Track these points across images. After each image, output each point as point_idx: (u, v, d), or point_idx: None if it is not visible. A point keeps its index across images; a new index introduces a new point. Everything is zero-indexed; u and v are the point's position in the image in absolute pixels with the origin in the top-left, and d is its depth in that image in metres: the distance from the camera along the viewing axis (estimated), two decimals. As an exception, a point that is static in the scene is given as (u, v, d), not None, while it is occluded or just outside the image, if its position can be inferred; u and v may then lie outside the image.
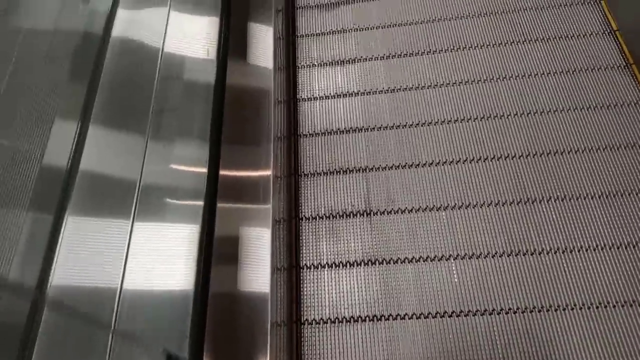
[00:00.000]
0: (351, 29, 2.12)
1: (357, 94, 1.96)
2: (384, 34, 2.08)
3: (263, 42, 1.62)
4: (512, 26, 2.00)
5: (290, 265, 1.61)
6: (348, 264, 1.61)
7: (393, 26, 2.09)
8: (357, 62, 2.03)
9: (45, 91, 0.78)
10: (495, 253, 1.55)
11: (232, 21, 1.68)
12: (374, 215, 1.68)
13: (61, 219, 0.76)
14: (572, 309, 1.45)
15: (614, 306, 1.43)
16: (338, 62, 2.04)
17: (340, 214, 1.70)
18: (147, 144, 0.97)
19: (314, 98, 1.98)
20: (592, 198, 1.60)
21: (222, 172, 1.30)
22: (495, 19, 2.03)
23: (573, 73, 1.85)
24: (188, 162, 1.29)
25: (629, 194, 1.59)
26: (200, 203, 1.21)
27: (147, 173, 0.95)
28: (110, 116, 0.92)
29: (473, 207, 1.64)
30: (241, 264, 1.20)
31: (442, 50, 1.99)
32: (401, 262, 1.58)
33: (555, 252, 1.52)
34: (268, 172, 1.32)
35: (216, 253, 1.19)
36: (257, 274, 1.19)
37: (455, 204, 1.65)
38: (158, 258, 1.04)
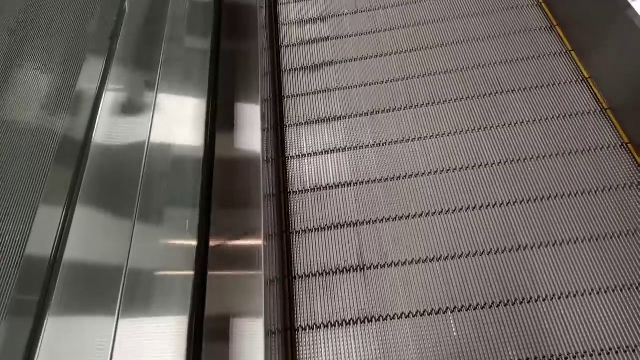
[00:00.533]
0: (335, 89, 2.19)
1: (344, 149, 2.00)
2: (366, 91, 2.16)
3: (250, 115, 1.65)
4: (490, 79, 2.08)
5: (285, 327, 1.58)
6: (344, 322, 1.58)
7: (375, 84, 2.17)
8: (342, 119, 2.09)
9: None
10: (492, 303, 1.53)
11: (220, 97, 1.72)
12: (367, 269, 1.67)
13: (43, 317, 0.74)
14: (574, 357, 1.42)
15: (617, 352, 1.41)
16: (324, 120, 2.10)
17: (334, 270, 1.69)
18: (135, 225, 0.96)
19: (302, 155, 2.01)
20: (582, 241, 1.61)
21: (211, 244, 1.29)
22: (472, 73, 2.12)
23: (552, 120, 1.91)
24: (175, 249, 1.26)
25: (619, 236, 1.60)
26: (191, 273, 1.18)
27: (135, 255, 0.94)
28: (97, 199, 0.91)
29: (466, 257, 1.64)
30: (233, 337, 1.17)
31: (423, 105, 2.06)
32: (398, 318, 1.55)
33: (551, 299, 1.51)
34: (259, 242, 1.31)
35: (207, 329, 1.15)
36: (251, 342, 1.16)
37: (448, 254, 1.65)
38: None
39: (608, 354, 1.41)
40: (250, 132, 1.63)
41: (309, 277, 1.69)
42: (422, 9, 2.42)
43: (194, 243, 1.29)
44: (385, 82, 2.17)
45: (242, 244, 1.43)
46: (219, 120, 1.59)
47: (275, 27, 2.54)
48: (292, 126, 2.11)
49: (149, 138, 1.13)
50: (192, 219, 1.32)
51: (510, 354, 1.44)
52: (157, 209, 1.26)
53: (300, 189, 1.93)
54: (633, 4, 1.72)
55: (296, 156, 2.02)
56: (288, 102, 2.20)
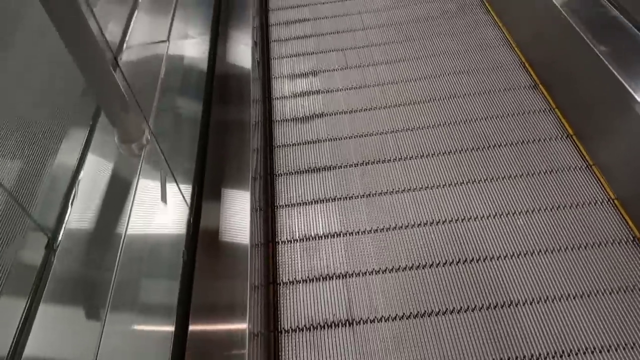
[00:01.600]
0: (325, 139, 2.22)
1: (334, 199, 1.99)
2: (356, 143, 2.18)
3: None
4: (477, 133, 2.13)
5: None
6: (332, 380, 1.50)
7: (364, 136, 2.21)
8: (333, 169, 2.10)
9: None
10: (485, 361, 1.48)
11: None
12: (356, 324, 1.62)
13: None
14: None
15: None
16: (314, 170, 2.11)
17: (322, 324, 1.63)
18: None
19: (291, 205, 2.00)
20: (573, 298, 1.59)
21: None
22: (459, 128, 2.17)
23: (538, 175, 1.94)
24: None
25: (610, 293, 1.59)
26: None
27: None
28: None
29: (457, 312, 1.60)
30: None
31: (412, 157, 2.08)
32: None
33: (545, 358, 1.47)
34: (245, 294, 1.26)
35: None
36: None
37: (440, 309, 1.61)
38: None
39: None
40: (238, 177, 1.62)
41: (296, 332, 1.63)
42: (411, 67, 2.50)
43: (177, 285, 1.23)
44: (375, 135, 2.20)
45: (226, 297, 1.38)
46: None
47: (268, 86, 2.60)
48: (281, 175, 2.11)
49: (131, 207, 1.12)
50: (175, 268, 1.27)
51: (505, 417, 1.38)
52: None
53: (288, 239, 1.90)
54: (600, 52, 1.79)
55: (285, 205, 2.00)
56: (278, 151, 2.21)
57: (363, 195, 1.98)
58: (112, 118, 1.03)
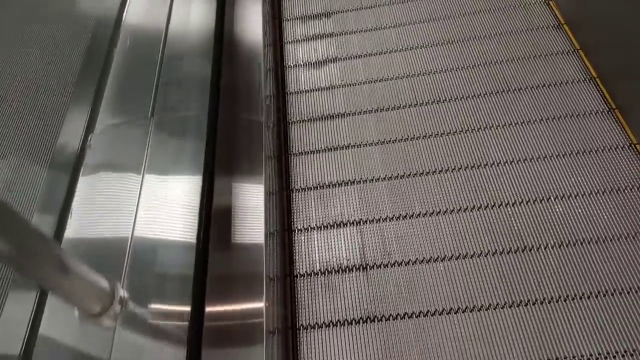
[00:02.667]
0: (339, 85, 2.17)
1: (348, 147, 1.97)
2: (370, 89, 2.13)
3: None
4: (496, 77, 2.06)
5: (285, 326, 1.56)
6: (346, 322, 1.55)
7: (379, 81, 2.15)
8: (347, 116, 2.06)
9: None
10: (497, 305, 1.51)
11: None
12: (370, 269, 1.65)
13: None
14: (581, 359, 1.40)
15: (623, 356, 1.39)
16: (327, 117, 2.08)
17: (336, 269, 1.67)
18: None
19: (305, 153, 1.99)
20: (589, 243, 1.59)
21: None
22: (477, 71, 2.09)
23: (558, 120, 1.89)
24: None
25: (625, 238, 1.58)
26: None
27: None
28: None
29: (470, 257, 1.61)
30: (234, 334, 1.14)
31: (428, 103, 2.03)
32: (401, 318, 1.53)
33: (557, 301, 1.49)
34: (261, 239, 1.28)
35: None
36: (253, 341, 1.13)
37: (452, 254, 1.63)
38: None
39: (614, 357, 1.38)
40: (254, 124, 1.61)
41: (311, 276, 1.67)
42: (428, 5, 2.39)
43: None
44: (390, 80, 2.14)
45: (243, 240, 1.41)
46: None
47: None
48: (295, 123, 2.08)
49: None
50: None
51: (513, 355, 1.42)
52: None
53: (302, 187, 1.90)
54: None
55: (299, 153, 2.00)
56: (291, 98, 2.17)
57: (377, 142, 1.96)
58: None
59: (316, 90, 2.18)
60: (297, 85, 2.22)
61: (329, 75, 2.22)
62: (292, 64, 2.30)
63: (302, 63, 2.30)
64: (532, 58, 2.09)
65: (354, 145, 1.97)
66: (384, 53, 2.25)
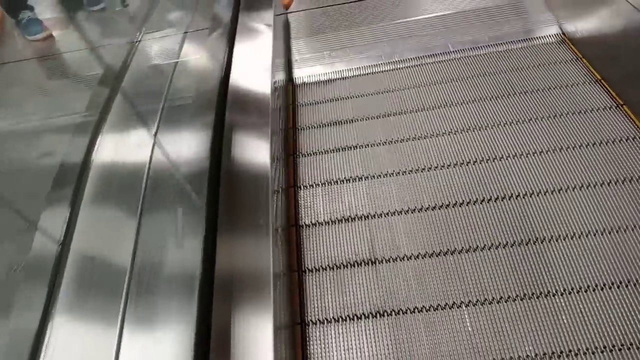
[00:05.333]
0: (347, 97, 2.19)
1: (356, 147, 1.98)
2: (377, 100, 2.15)
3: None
4: (500, 82, 2.07)
5: (294, 322, 1.55)
6: (355, 317, 1.54)
7: (384, 92, 2.17)
8: (354, 122, 2.08)
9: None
10: (509, 297, 1.49)
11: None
12: (379, 263, 1.64)
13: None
14: (593, 352, 1.38)
15: (638, 348, 1.36)
16: (336, 123, 2.08)
17: (345, 263, 1.66)
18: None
19: (312, 153, 1.99)
20: (602, 234, 1.57)
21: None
22: (482, 80, 2.11)
23: (565, 116, 1.88)
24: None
25: (632, 229, 1.55)
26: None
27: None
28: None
29: (481, 250, 1.60)
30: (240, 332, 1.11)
31: (433, 107, 2.05)
32: (411, 312, 1.52)
33: (569, 293, 1.47)
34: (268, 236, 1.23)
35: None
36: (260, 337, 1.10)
37: (463, 247, 1.61)
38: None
39: (629, 349, 1.36)
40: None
41: (319, 271, 1.66)
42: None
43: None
44: (399, 90, 2.16)
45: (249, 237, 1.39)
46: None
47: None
48: (302, 130, 2.10)
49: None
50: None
51: (526, 349, 1.40)
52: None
53: (310, 184, 1.90)
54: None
55: (307, 154, 2.00)
56: (298, 89, 2.18)
57: (385, 142, 1.97)
58: None
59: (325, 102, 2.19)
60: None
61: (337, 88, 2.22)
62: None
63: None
64: (537, 67, 2.10)
65: (361, 146, 1.98)
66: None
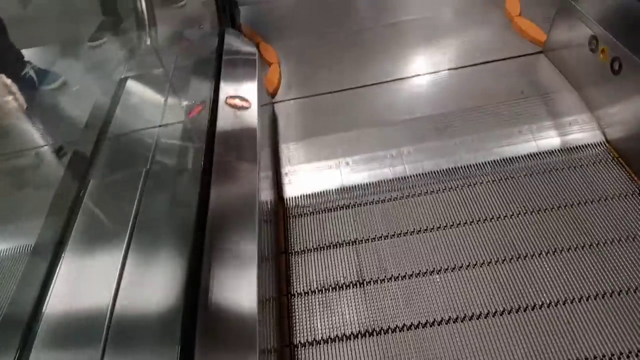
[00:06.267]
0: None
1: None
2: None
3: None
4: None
5: (282, 344, 1.52)
6: (344, 337, 1.52)
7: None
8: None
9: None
10: (495, 312, 1.49)
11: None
12: (367, 284, 1.64)
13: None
14: (587, 369, 1.36)
15: (627, 356, 1.35)
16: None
17: (333, 286, 1.66)
18: None
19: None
20: (582, 248, 1.60)
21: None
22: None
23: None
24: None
25: (611, 243, 1.59)
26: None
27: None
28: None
29: (466, 268, 1.62)
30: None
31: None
32: (399, 330, 1.51)
33: (556, 305, 1.47)
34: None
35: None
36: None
37: (448, 266, 1.63)
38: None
39: (619, 358, 1.35)
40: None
41: (308, 295, 1.66)
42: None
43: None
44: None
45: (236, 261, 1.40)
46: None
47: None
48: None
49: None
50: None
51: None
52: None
53: (299, 213, 1.94)
54: None
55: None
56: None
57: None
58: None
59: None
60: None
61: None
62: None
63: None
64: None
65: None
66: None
